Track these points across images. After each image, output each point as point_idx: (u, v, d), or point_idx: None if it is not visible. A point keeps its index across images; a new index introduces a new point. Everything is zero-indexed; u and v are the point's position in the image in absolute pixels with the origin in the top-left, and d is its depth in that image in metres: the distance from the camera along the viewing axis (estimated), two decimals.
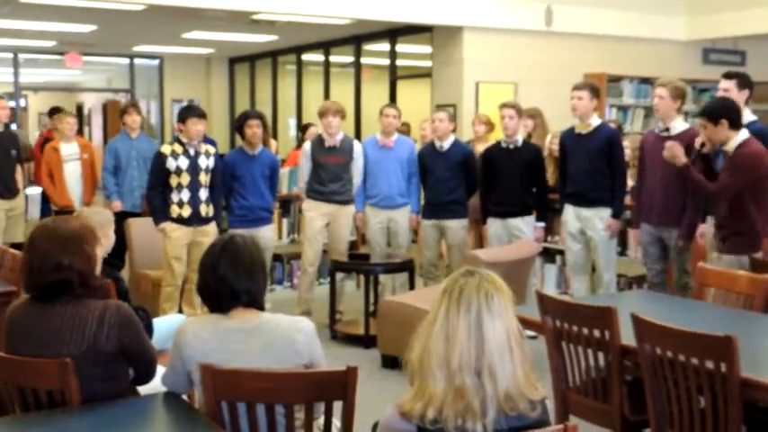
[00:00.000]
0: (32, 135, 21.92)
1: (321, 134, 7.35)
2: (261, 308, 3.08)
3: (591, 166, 6.49)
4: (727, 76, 5.86)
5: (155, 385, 3.46)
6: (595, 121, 6.58)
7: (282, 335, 2.99)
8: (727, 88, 5.78)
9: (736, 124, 5.13)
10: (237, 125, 7.22)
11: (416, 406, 2.26)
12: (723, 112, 5.12)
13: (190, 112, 6.77)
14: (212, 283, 3.03)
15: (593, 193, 6.50)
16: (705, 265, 4.84)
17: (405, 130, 11.30)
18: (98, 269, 3.32)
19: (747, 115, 5.77)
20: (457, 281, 2.33)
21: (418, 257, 7.85)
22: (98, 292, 3.14)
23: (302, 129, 9.99)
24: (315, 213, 7.27)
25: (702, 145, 5.37)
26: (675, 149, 5.35)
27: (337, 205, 7.25)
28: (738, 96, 5.76)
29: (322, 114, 7.22)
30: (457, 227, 7.31)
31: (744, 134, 5.13)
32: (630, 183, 6.83)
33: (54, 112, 9.51)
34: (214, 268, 3.02)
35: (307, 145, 7.47)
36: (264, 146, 7.38)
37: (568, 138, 6.70)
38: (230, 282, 3.00)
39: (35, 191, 9.83)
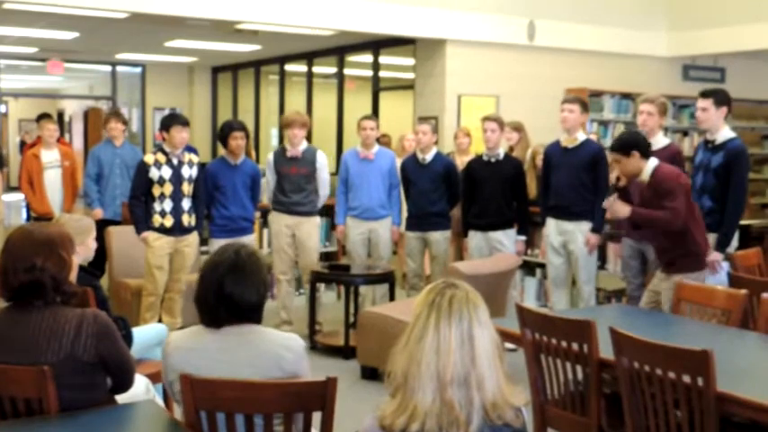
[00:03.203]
0: (13, 141, 21.86)
1: (284, 145, 7.36)
2: (259, 320, 3.04)
3: (575, 180, 6.51)
4: (704, 94, 5.88)
5: (133, 394, 3.45)
6: (581, 135, 6.62)
7: (269, 349, 2.97)
8: (705, 107, 5.80)
9: (646, 154, 5.15)
10: (221, 136, 7.18)
11: (399, 420, 2.25)
12: (633, 144, 5.14)
13: (173, 120, 6.77)
14: (214, 299, 2.96)
15: (576, 206, 6.52)
16: (683, 281, 4.87)
17: (386, 141, 11.34)
18: (73, 276, 3.28)
19: (726, 132, 5.81)
20: (443, 293, 2.33)
21: (399, 269, 7.87)
22: (73, 299, 3.12)
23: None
24: (279, 225, 7.27)
25: (618, 179, 5.40)
26: (616, 207, 5.35)
27: (300, 216, 7.23)
28: (716, 114, 5.79)
29: (288, 125, 7.21)
30: (440, 238, 7.34)
31: (653, 162, 5.14)
32: None
33: (42, 117, 9.44)
34: (221, 286, 2.95)
35: (270, 156, 7.45)
36: (247, 156, 7.37)
37: (554, 151, 6.72)
38: (237, 300, 2.95)
39: (14, 197, 9.78)
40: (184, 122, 6.71)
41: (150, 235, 6.64)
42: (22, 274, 3.01)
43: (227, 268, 2.98)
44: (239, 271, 2.98)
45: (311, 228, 7.32)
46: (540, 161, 7.57)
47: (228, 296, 2.95)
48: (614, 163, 5.29)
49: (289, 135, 7.22)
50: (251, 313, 3.01)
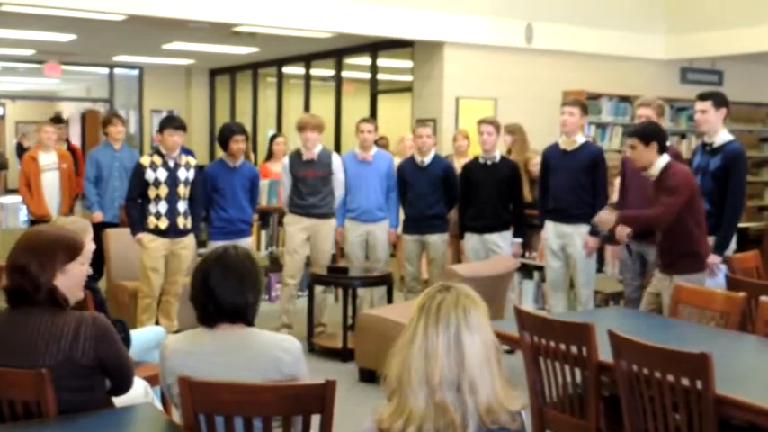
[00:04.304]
0: (10, 143, 21.86)
1: (299, 148, 7.36)
2: (249, 323, 3.04)
3: (574, 183, 6.50)
4: (702, 97, 5.87)
5: (131, 396, 3.44)
6: (581, 138, 6.61)
7: (266, 351, 2.97)
8: (705, 109, 5.80)
9: (663, 149, 5.16)
10: (222, 139, 7.16)
11: (396, 423, 2.25)
12: (655, 135, 5.16)
13: (168, 122, 6.77)
14: (201, 295, 2.99)
15: (575, 209, 6.51)
16: (681, 283, 4.87)
17: (383, 144, 11.33)
18: (70, 280, 3.24)
19: (724, 135, 5.80)
20: (433, 297, 2.32)
21: (397, 272, 7.86)
22: (63, 305, 3.09)
23: (271, 139, 9.95)
24: (295, 228, 7.26)
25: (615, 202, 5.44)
26: (602, 219, 5.35)
27: (317, 219, 7.24)
28: (716, 116, 5.79)
29: (300, 128, 7.23)
30: (438, 241, 7.34)
31: (665, 159, 5.15)
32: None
33: (57, 120, 9.40)
34: (204, 281, 2.98)
35: (286, 159, 7.46)
36: (245, 158, 7.37)
37: (552, 153, 6.71)
38: (218, 296, 2.96)
39: (12, 200, 9.77)
40: (178, 126, 6.70)
41: (145, 237, 6.64)
42: (9, 278, 3.01)
43: (212, 263, 3.01)
44: (224, 267, 2.99)
45: (327, 230, 7.33)
46: (532, 167, 7.60)
47: (212, 291, 2.96)
48: (629, 149, 5.26)
49: (302, 138, 7.22)
50: (237, 313, 2.99)
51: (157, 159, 6.65)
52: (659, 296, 5.22)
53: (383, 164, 7.45)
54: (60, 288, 3.04)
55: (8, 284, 3.02)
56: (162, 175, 6.62)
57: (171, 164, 6.67)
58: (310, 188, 7.19)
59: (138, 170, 6.67)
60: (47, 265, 3.03)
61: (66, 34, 11.41)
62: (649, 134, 5.17)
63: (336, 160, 7.35)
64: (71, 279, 3.10)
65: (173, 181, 6.65)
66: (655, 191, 5.17)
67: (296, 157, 7.30)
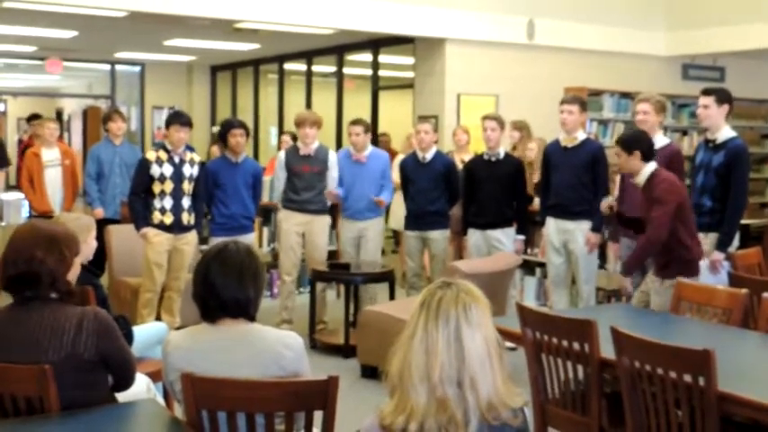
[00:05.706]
0: (12, 140, 21.88)
1: (296, 143, 7.36)
2: (251, 318, 3.04)
3: (575, 180, 6.49)
4: (706, 92, 5.88)
5: (134, 392, 3.44)
6: (581, 135, 6.61)
7: (268, 348, 2.97)
8: (707, 105, 5.80)
9: (648, 156, 5.13)
10: (221, 133, 7.19)
11: (398, 419, 2.26)
12: (637, 144, 5.13)
13: (174, 118, 6.77)
14: (202, 291, 2.99)
15: (576, 206, 6.51)
16: (683, 280, 4.87)
17: (385, 140, 11.33)
18: (73, 276, 3.26)
19: (727, 131, 5.80)
20: (434, 293, 2.33)
21: (399, 268, 7.87)
22: (70, 298, 3.11)
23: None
24: (290, 224, 7.26)
25: (611, 208, 5.53)
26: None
27: (312, 215, 7.24)
28: (718, 112, 5.79)
29: (299, 124, 7.23)
30: (439, 237, 7.33)
31: (652, 166, 5.12)
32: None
33: (33, 118, 9.46)
34: (205, 276, 2.99)
35: (281, 154, 7.46)
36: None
37: (553, 150, 6.71)
38: (218, 291, 2.96)
39: (13, 196, 9.77)
40: (184, 122, 6.70)
41: (150, 231, 6.64)
42: (21, 265, 3.01)
43: (212, 258, 3.02)
44: (223, 262, 2.99)
45: (321, 226, 7.33)
46: (528, 151, 7.65)
47: (212, 287, 2.96)
48: (615, 156, 5.27)
49: (300, 134, 7.22)
50: (238, 307, 2.99)
51: (163, 155, 6.65)
52: (650, 295, 5.21)
53: (377, 164, 7.40)
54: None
55: (17, 272, 3.02)
56: (167, 170, 6.62)
57: (176, 160, 6.67)
58: (305, 183, 7.19)
59: (144, 165, 6.67)
60: (68, 259, 3.09)
61: (67, 31, 11.40)
62: (631, 143, 5.13)
63: (333, 157, 7.34)
64: (73, 272, 3.15)
65: (178, 177, 6.65)
66: (644, 198, 5.16)
67: (293, 151, 7.29)
